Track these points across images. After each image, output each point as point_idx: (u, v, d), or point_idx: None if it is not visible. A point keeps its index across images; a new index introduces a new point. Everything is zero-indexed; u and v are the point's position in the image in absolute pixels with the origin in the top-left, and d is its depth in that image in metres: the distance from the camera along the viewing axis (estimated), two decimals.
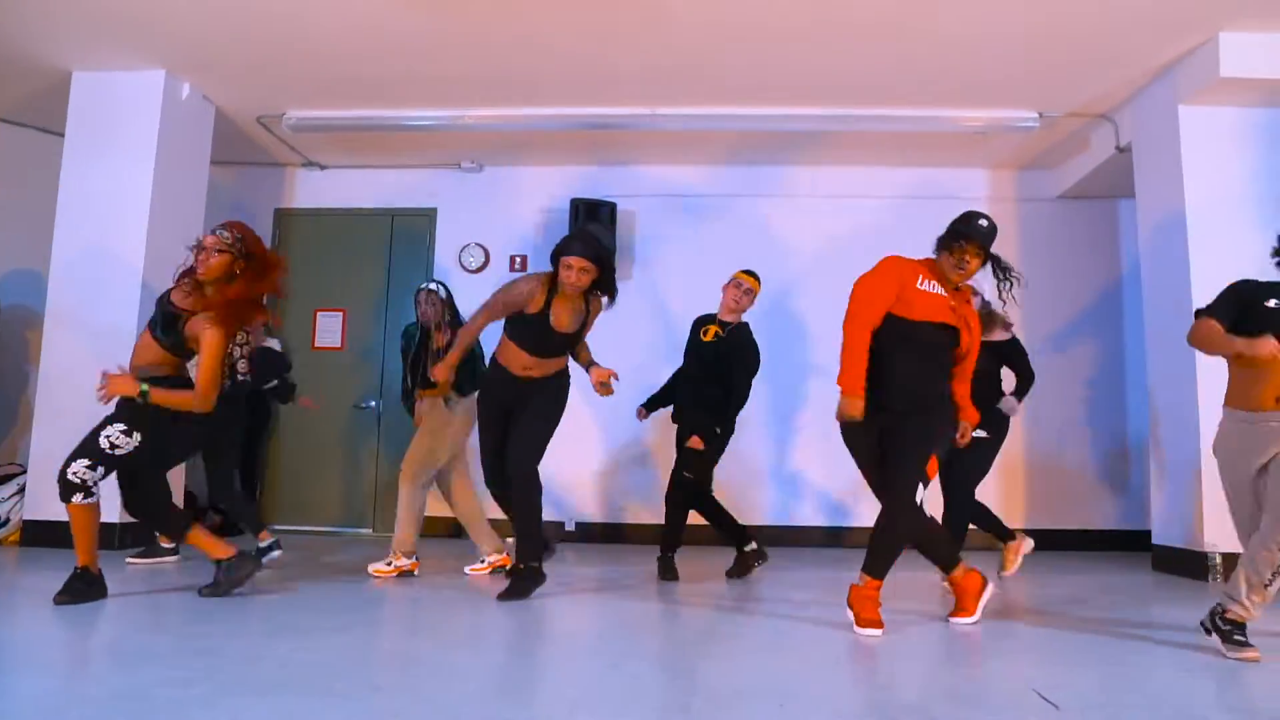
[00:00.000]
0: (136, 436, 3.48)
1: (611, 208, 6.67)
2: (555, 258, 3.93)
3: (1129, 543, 6.31)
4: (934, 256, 3.46)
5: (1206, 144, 5.17)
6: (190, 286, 3.64)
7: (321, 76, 5.62)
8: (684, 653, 3.04)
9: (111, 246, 5.39)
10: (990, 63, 5.26)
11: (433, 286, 4.80)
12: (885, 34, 4.97)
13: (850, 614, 3.28)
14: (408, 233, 7.01)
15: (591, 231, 5.13)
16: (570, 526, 6.57)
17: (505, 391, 4.12)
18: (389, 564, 4.50)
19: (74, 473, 3.39)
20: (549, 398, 4.10)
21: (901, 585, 4.33)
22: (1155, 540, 5.44)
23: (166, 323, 3.60)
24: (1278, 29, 4.77)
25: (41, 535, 5.18)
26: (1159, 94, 5.37)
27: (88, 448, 3.45)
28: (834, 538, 6.46)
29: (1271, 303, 3.04)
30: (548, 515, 5.14)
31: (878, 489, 3.44)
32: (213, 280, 3.60)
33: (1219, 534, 4.80)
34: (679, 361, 4.96)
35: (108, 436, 3.45)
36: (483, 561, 4.70)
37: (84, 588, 3.48)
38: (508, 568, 4.41)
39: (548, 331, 3.99)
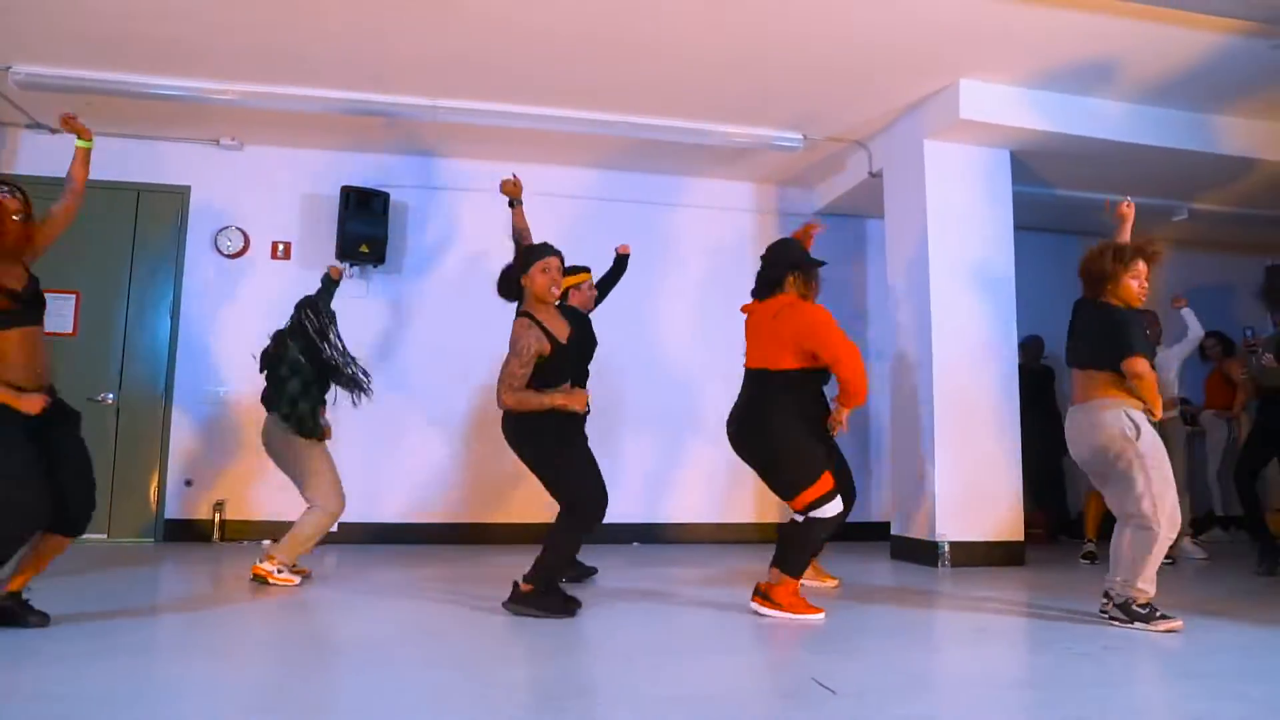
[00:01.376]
0: None
1: (385, 198, 6.43)
2: (527, 266, 3.66)
3: (869, 534, 6.91)
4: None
5: (947, 175, 5.77)
6: None
7: (60, 29, 4.98)
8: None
9: None
10: (758, 85, 5.58)
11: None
12: (660, 53, 5.17)
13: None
14: (156, 211, 6.39)
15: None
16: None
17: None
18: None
19: None
20: None
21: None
22: (894, 531, 6.02)
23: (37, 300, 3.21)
24: (1009, 81, 5.43)
25: None
26: (908, 127, 5.93)
27: None
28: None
29: None
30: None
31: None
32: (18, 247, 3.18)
33: (949, 525, 5.42)
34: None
35: None
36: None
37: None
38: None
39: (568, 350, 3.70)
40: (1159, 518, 3.39)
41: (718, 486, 6.77)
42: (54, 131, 6.24)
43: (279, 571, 4.27)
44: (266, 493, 6.02)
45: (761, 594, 3.57)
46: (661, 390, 6.81)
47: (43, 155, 6.22)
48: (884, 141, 6.24)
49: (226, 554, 5.55)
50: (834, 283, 7.31)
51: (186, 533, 6.13)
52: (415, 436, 6.43)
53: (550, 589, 3.58)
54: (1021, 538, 5.66)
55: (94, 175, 6.09)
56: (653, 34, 4.96)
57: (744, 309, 3.94)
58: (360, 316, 6.33)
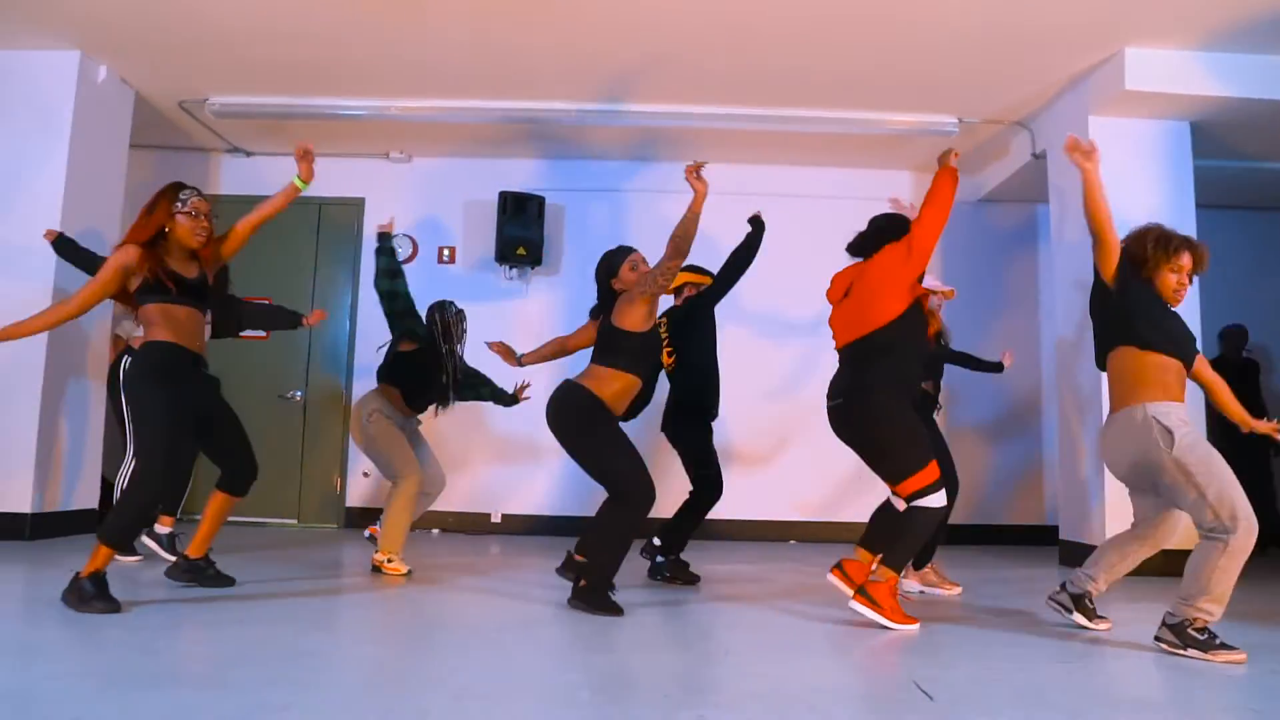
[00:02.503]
0: None
1: (540, 201, 6.68)
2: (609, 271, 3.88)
3: (1038, 538, 6.53)
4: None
5: (1117, 152, 5.34)
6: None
7: (245, 61, 5.53)
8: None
9: (23, 231, 5.24)
10: (912, 69, 5.39)
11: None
12: (805, 41, 5.09)
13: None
14: (335, 222, 6.95)
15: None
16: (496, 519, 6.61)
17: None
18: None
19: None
20: None
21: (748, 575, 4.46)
22: (1062, 535, 5.65)
23: (202, 289, 3.51)
24: (1176, 46, 4.98)
25: None
26: (1071, 103, 5.55)
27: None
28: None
29: None
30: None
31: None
32: (203, 247, 3.51)
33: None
34: None
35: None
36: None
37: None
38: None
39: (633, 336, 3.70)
40: (1227, 522, 2.89)
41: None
42: (249, 155, 6.91)
43: (389, 561, 4.37)
44: None
45: (863, 592, 3.34)
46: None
47: (241, 177, 6.91)
48: (1046, 120, 5.87)
49: None
50: (1002, 272, 7.00)
51: (368, 519, 6.58)
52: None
53: (605, 585, 3.51)
54: None
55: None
56: (797, 22, 4.89)
57: (828, 296, 3.78)
58: (519, 317, 6.62)
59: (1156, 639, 3.03)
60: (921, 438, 3.38)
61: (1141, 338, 3.16)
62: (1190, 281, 3.26)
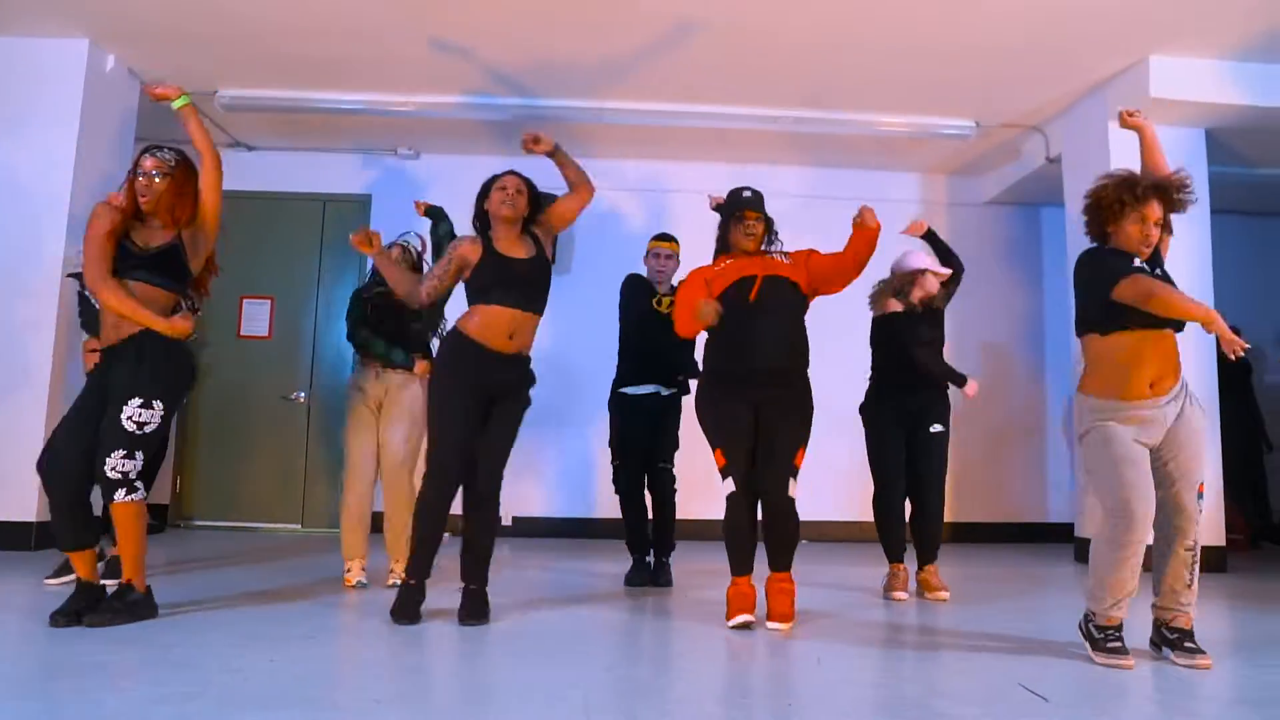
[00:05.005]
0: (158, 405, 3.07)
1: (553, 200, 6.57)
2: (483, 194, 3.59)
3: (1052, 535, 6.61)
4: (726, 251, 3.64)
5: (1135, 158, 5.41)
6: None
7: (255, 54, 5.38)
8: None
9: (32, 219, 5.07)
10: (933, 74, 5.42)
11: (406, 240, 4.40)
12: (821, 44, 5.10)
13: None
14: (340, 219, 6.77)
15: None
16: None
17: (481, 374, 3.35)
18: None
19: (112, 467, 2.98)
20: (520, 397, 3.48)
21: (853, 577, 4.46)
22: (1078, 533, 5.73)
23: (159, 260, 3.17)
24: (1203, 55, 5.07)
25: None
26: (1091, 109, 5.62)
27: (115, 435, 2.99)
28: None
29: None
30: None
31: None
32: (157, 208, 3.20)
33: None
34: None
35: (130, 417, 3.00)
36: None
37: (123, 607, 3.05)
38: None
39: (506, 267, 3.41)
40: (1107, 513, 2.82)
41: None
42: (251, 149, 6.73)
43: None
44: None
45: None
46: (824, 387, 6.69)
47: (246, 171, 6.67)
48: (1063, 125, 5.94)
49: None
50: (1009, 274, 7.08)
51: (377, 524, 6.45)
52: (574, 438, 6.54)
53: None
54: (1223, 542, 5.27)
55: (284, 188, 6.73)
56: (813, 25, 4.89)
57: None
58: None
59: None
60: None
61: (1088, 321, 2.99)
62: (1161, 230, 2.94)
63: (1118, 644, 2.81)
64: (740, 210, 3.56)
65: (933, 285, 4.25)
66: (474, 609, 3.29)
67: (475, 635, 3.14)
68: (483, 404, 3.35)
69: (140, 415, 3.03)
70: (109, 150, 5.44)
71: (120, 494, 3.02)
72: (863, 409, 4.37)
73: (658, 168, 6.86)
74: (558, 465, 6.59)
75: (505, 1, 4.76)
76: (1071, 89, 5.57)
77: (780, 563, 3.37)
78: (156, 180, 3.21)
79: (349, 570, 4.11)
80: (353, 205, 6.79)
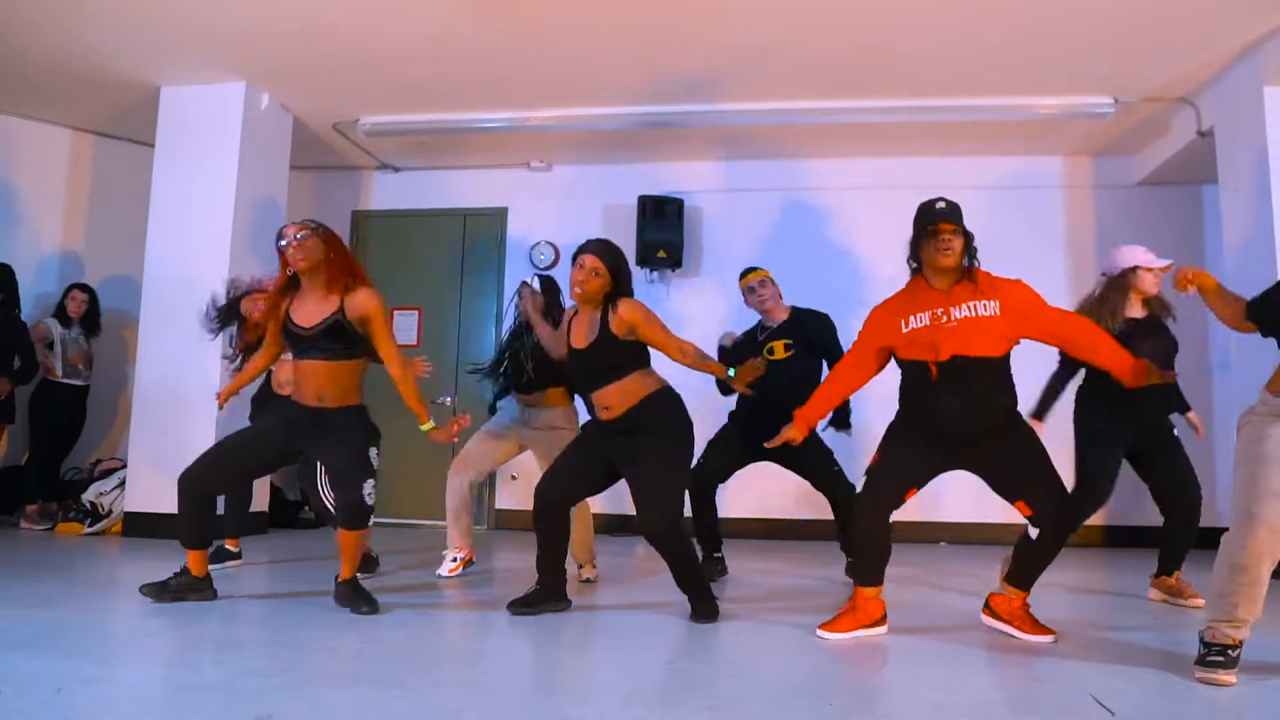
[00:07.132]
0: (374, 452, 3.58)
1: (679, 204, 6.72)
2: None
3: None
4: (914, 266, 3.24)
5: None
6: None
7: (393, 83, 5.78)
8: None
9: (199, 251, 5.66)
10: (1063, 49, 5.15)
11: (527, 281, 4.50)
12: (955, 22, 4.92)
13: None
14: (479, 232, 7.17)
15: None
16: None
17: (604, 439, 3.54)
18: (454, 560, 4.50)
19: (369, 494, 3.44)
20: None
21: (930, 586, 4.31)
22: None
23: (330, 333, 3.40)
24: None
25: (140, 526, 5.51)
26: (1242, 75, 5.17)
27: (364, 469, 3.47)
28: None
29: None
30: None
31: None
32: (311, 267, 3.38)
33: None
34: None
35: (373, 456, 3.56)
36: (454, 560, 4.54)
37: (353, 594, 3.43)
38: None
39: (572, 354, 3.61)
40: None
41: None
42: (397, 170, 7.22)
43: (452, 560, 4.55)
44: None
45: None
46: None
47: (391, 192, 7.26)
48: (1214, 94, 5.48)
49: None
50: (1170, 260, 6.56)
51: (515, 520, 6.79)
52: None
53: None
54: None
55: (427, 205, 7.19)
56: (930, 7, 4.77)
57: None
58: (662, 320, 6.64)
59: None
60: None
61: None
62: None
63: (1219, 659, 2.55)
64: (933, 224, 3.10)
65: (1150, 284, 3.98)
66: (704, 610, 3.40)
67: (564, 625, 3.30)
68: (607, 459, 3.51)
69: (375, 459, 3.57)
70: (265, 182, 6.04)
71: (370, 521, 3.51)
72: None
73: (779, 167, 6.84)
74: None
75: (613, 19, 4.90)
76: (1219, 54, 5.13)
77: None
78: (298, 246, 3.36)
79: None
80: (491, 218, 7.16)
